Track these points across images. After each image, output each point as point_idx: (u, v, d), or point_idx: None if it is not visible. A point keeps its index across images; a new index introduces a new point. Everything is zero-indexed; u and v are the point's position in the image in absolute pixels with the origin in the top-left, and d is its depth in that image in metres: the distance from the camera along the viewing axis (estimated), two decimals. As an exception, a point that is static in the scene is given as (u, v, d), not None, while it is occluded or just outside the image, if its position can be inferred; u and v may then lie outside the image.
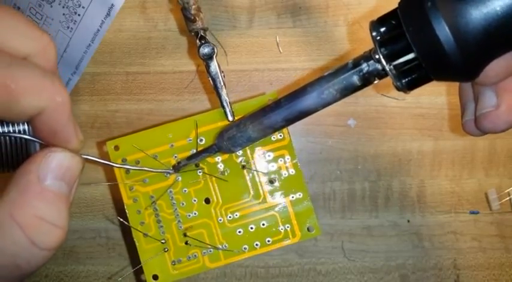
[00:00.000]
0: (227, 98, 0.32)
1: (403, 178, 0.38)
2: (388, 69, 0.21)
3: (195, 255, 0.32)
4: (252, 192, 0.32)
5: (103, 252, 0.39)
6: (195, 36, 0.33)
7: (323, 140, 0.38)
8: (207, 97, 0.39)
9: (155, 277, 0.32)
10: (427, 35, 0.18)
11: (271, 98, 0.32)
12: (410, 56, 0.20)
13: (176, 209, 0.32)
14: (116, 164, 0.29)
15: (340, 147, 0.38)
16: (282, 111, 0.25)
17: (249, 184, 0.32)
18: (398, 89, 0.22)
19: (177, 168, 0.31)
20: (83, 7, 0.35)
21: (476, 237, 0.38)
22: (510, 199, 0.38)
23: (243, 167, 0.32)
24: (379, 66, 0.22)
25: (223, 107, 0.32)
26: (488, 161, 0.38)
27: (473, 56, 0.18)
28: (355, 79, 0.23)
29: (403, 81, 0.21)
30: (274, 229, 0.32)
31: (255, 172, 0.32)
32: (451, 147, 0.38)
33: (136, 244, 0.32)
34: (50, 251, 0.18)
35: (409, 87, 0.21)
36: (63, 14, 0.36)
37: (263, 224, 0.32)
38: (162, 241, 0.32)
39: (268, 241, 0.32)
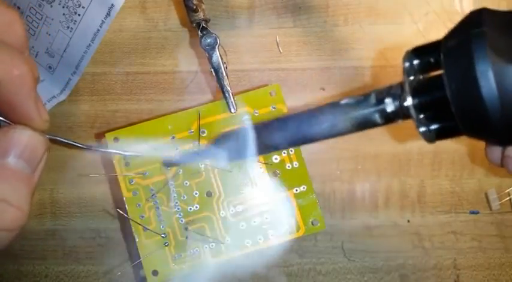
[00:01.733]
0: (230, 89, 0.32)
1: (403, 178, 0.38)
2: (415, 118, 0.19)
3: (197, 250, 0.32)
4: (255, 185, 0.32)
5: (103, 252, 0.39)
6: (197, 27, 0.33)
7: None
8: (207, 97, 0.39)
9: (155, 273, 0.31)
10: (472, 100, 0.16)
11: (273, 90, 0.32)
12: (444, 111, 0.18)
13: (177, 202, 0.32)
14: (86, 145, 0.27)
15: (340, 147, 0.38)
16: (288, 134, 0.23)
17: (252, 177, 0.32)
18: (424, 138, 0.20)
19: (168, 165, 0.31)
20: (83, 7, 0.35)
21: (476, 237, 0.38)
22: (510, 199, 0.38)
23: None
24: (407, 111, 0.19)
25: (225, 98, 0.32)
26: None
27: None
28: (377, 117, 0.20)
29: (431, 128, 0.19)
30: (277, 223, 0.32)
31: (257, 164, 0.32)
32: (451, 147, 0.38)
33: (136, 238, 0.31)
34: (7, 232, 0.17)
35: (437, 136, 0.20)
36: (63, 14, 0.36)
37: (266, 218, 0.32)
38: (163, 235, 0.31)
39: (272, 235, 0.32)
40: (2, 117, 0.19)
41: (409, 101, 0.19)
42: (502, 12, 0.17)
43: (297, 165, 0.32)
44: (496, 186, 0.38)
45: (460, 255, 0.38)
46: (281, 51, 0.38)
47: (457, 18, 0.18)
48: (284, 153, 0.32)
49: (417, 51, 0.19)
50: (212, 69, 0.32)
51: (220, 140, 0.28)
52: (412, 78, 0.19)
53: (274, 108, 0.32)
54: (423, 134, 0.19)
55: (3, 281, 0.39)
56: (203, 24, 0.33)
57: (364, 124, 0.21)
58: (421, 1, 0.38)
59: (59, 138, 0.22)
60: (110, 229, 0.39)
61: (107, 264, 0.39)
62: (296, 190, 0.32)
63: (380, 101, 0.20)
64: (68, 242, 0.39)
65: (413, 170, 0.38)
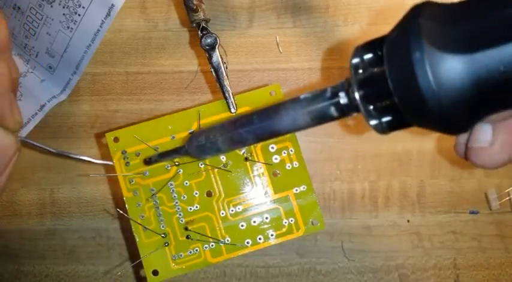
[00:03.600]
0: (229, 89, 0.32)
1: (403, 178, 0.38)
2: (364, 109, 0.20)
3: (197, 250, 0.32)
4: (255, 185, 0.32)
5: (103, 252, 0.39)
6: (197, 27, 0.33)
7: (323, 140, 0.38)
8: (207, 97, 0.39)
9: (155, 272, 0.31)
10: (411, 89, 0.17)
11: (273, 90, 0.32)
12: (389, 101, 0.19)
13: (177, 202, 0.32)
14: (54, 149, 0.26)
15: (340, 147, 0.38)
16: (252, 129, 0.24)
17: (252, 177, 0.32)
18: (376, 130, 0.20)
19: (148, 162, 0.31)
20: (83, 7, 0.35)
21: (476, 237, 0.38)
22: (510, 199, 0.38)
23: (246, 159, 0.32)
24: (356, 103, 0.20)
25: (225, 98, 0.32)
26: (488, 161, 0.38)
27: (461, 117, 0.17)
28: (332, 110, 0.21)
29: (383, 120, 0.20)
30: (277, 223, 0.32)
31: (258, 164, 0.32)
32: (451, 147, 0.38)
33: (136, 238, 0.31)
34: None
35: (389, 128, 0.20)
36: (63, 14, 0.36)
37: (266, 218, 0.32)
38: (163, 235, 0.32)
39: (272, 235, 0.32)
40: None
41: (355, 93, 0.20)
42: (443, 4, 0.19)
43: (297, 165, 0.32)
44: (495, 186, 0.38)
45: (460, 255, 0.38)
46: (281, 51, 0.38)
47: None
48: (284, 153, 0.32)
49: (366, 46, 0.21)
50: (212, 69, 0.32)
51: (191, 138, 0.28)
52: (361, 71, 0.20)
53: (274, 108, 0.32)
54: (375, 126, 0.20)
55: (3, 281, 0.39)
56: (203, 24, 0.33)
57: (322, 117, 0.22)
58: (421, 1, 0.38)
59: (30, 142, 0.22)
60: (110, 229, 0.39)
61: (107, 264, 0.39)
62: (296, 190, 0.32)
63: (334, 94, 0.21)
64: (68, 242, 0.39)
65: (413, 170, 0.38)
